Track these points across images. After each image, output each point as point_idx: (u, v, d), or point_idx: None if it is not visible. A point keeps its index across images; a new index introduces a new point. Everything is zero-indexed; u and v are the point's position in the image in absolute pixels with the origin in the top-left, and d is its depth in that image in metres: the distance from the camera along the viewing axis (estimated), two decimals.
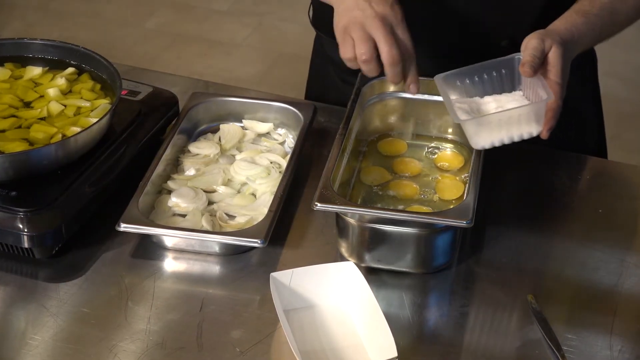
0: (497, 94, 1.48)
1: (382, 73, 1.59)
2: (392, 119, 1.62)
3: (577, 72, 1.68)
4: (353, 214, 1.39)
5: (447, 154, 1.58)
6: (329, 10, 1.58)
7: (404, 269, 1.41)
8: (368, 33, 1.41)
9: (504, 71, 1.48)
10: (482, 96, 1.48)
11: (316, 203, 1.37)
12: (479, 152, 1.46)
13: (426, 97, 1.58)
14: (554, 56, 1.41)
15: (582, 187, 1.61)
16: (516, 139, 1.43)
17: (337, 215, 1.42)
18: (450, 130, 1.60)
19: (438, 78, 1.47)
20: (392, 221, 1.38)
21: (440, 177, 1.53)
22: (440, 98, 1.52)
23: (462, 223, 1.34)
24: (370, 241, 1.40)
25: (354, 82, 1.61)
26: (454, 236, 1.41)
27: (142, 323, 1.34)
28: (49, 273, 1.43)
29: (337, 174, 1.44)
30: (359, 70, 1.63)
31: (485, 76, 1.48)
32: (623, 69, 3.79)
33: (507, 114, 1.41)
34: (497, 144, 1.43)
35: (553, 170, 1.62)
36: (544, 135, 1.43)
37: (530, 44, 1.42)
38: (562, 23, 1.47)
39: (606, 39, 1.60)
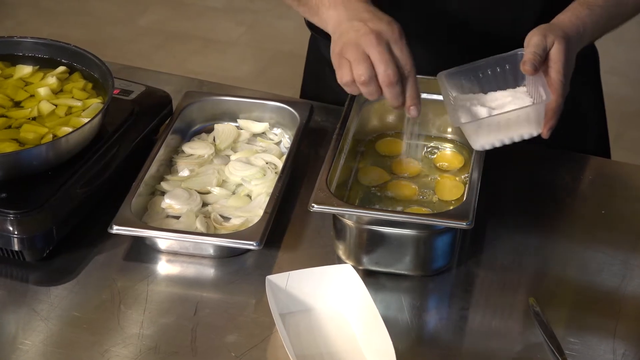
0: (502, 89, 1.48)
1: None
2: (390, 118, 1.62)
3: (578, 70, 1.68)
4: (350, 216, 1.39)
5: (447, 153, 1.58)
6: None
7: (403, 272, 1.41)
8: (364, 52, 1.36)
9: (507, 67, 1.48)
10: (485, 92, 1.49)
11: (313, 204, 1.37)
12: (479, 151, 1.46)
13: (425, 96, 1.58)
14: (556, 52, 1.41)
15: (585, 188, 1.61)
16: (516, 139, 1.44)
17: (334, 217, 1.42)
18: (449, 129, 1.60)
19: (441, 75, 1.47)
20: (391, 223, 1.38)
21: (440, 178, 1.53)
22: (438, 97, 1.52)
23: (462, 224, 1.34)
24: (368, 243, 1.40)
25: None
26: (453, 238, 1.41)
27: (135, 327, 1.34)
28: (40, 276, 1.43)
29: (334, 174, 1.44)
30: None
31: (489, 72, 1.48)
32: (626, 67, 3.79)
33: (506, 116, 1.41)
34: (497, 144, 1.44)
35: (555, 171, 1.62)
36: (545, 135, 1.43)
37: (533, 40, 1.41)
38: (567, 16, 1.47)
39: (611, 30, 1.60)
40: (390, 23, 1.40)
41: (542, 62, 1.41)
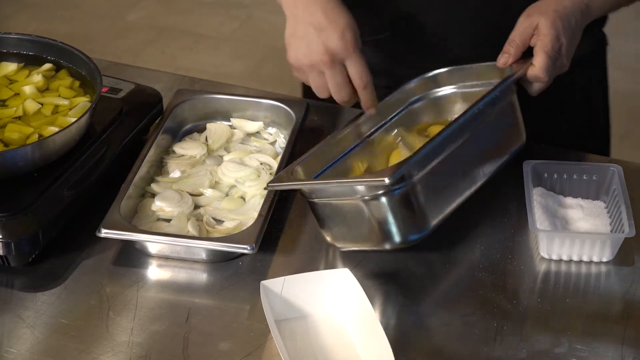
0: (582, 198, 1.53)
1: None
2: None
3: (588, 65, 1.68)
4: (306, 192, 1.41)
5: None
6: None
7: (370, 247, 1.41)
8: (320, 71, 1.47)
9: (594, 177, 1.52)
10: (565, 195, 1.53)
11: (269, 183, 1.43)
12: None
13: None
14: (543, 26, 1.48)
15: None
16: (585, 260, 1.45)
17: (309, 204, 1.43)
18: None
19: (526, 165, 1.51)
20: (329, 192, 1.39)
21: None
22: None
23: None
24: (326, 218, 1.42)
25: None
26: (401, 202, 1.38)
27: (125, 335, 1.34)
28: (26, 282, 1.42)
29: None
30: None
31: (575, 177, 1.52)
32: (633, 60, 3.79)
33: (583, 236, 1.44)
34: (564, 258, 1.45)
35: None
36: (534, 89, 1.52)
37: (517, 28, 1.51)
38: None
39: (630, 4, 1.62)
40: (344, 34, 1.45)
41: (519, 53, 1.51)
